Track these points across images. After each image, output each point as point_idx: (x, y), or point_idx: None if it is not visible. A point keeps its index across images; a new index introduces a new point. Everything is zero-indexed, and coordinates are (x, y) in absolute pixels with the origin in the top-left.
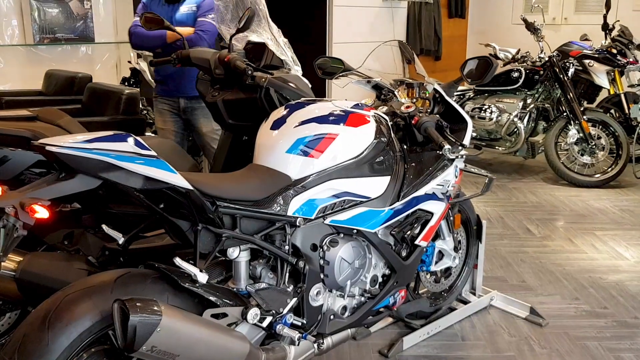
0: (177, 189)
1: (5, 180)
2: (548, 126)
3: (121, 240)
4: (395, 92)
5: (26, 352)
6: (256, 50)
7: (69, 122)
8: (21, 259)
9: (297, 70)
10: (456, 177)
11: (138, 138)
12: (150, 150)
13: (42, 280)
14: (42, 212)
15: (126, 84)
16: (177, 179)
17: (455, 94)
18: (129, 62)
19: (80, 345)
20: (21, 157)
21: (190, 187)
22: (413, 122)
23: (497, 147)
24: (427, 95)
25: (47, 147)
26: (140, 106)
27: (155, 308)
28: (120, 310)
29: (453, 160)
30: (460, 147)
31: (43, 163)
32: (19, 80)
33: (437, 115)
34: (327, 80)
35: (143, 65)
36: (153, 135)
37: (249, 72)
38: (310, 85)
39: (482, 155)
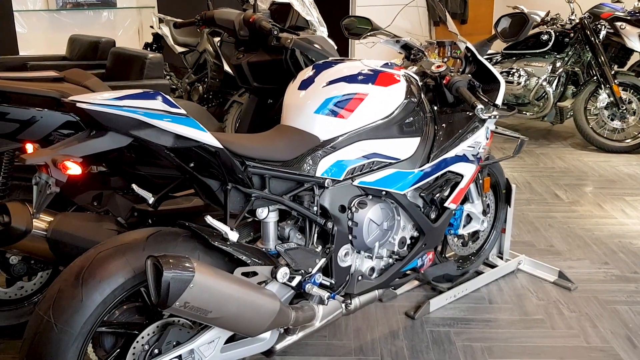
0: (206, 148)
1: (35, 140)
2: (577, 90)
3: (151, 200)
4: (425, 52)
5: (60, 308)
6: (281, 11)
7: (95, 83)
8: (52, 218)
9: (322, 31)
10: (487, 138)
11: (167, 96)
12: (179, 108)
13: (73, 240)
14: (74, 169)
15: (148, 49)
16: (207, 137)
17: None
18: (151, 27)
19: (113, 302)
20: (50, 118)
21: (220, 146)
22: (444, 82)
23: (524, 112)
24: (459, 54)
25: (78, 104)
26: (164, 71)
27: (188, 265)
28: (153, 266)
29: (485, 121)
30: (492, 107)
31: (71, 124)
32: (42, 46)
33: (469, 75)
34: (350, 41)
35: (165, 30)
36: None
37: (275, 33)
38: (335, 47)
39: (509, 121)
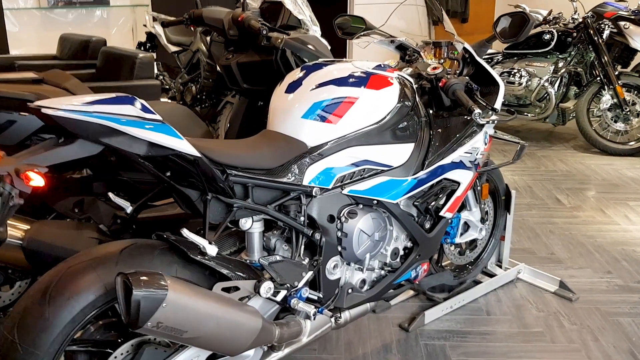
0: (184, 156)
1: (10, 145)
2: (580, 91)
3: (129, 209)
4: (421, 53)
5: (26, 327)
6: (272, 9)
7: (75, 84)
8: (28, 227)
9: (315, 30)
10: (485, 144)
11: (142, 101)
12: (155, 114)
13: (50, 249)
14: (37, 180)
15: (142, 48)
16: (184, 145)
17: (484, 57)
18: (145, 26)
19: (83, 320)
20: (26, 122)
21: (198, 154)
22: (440, 84)
23: (526, 114)
24: (456, 55)
25: (43, 110)
26: (156, 71)
27: (161, 282)
28: (123, 284)
29: (483, 125)
30: (491, 112)
31: (50, 128)
32: (34, 45)
33: (467, 77)
34: (347, 41)
35: (159, 29)
36: (168, 100)
37: (264, 33)
38: (329, 47)
39: (509, 122)
